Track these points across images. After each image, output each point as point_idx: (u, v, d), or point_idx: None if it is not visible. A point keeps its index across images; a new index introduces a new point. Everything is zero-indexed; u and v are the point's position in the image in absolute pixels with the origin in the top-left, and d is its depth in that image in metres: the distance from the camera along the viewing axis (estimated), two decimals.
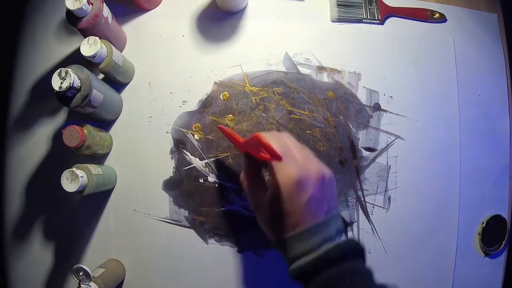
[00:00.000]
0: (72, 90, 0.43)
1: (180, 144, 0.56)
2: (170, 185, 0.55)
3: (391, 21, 0.61)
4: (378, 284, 0.37)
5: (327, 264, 0.36)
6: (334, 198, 0.40)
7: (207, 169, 0.55)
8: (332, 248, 0.36)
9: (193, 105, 0.56)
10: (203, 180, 0.55)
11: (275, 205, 0.38)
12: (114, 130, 0.56)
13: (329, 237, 0.37)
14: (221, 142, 0.56)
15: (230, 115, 0.56)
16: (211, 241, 0.55)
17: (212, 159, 0.55)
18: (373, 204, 0.57)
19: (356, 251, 0.38)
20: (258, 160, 0.43)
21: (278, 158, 0.38)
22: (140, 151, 0.55)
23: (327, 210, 0.39)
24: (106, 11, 0.49)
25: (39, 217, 0.54)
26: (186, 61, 0.57)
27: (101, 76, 0.55)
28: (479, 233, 0.58)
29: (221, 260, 0.54)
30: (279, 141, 0.40)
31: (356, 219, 0.56)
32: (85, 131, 0.46)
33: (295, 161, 0.39)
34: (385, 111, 0.58)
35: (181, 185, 0.55)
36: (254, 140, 0.39)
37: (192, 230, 0.55)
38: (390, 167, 0.58)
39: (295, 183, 0.37)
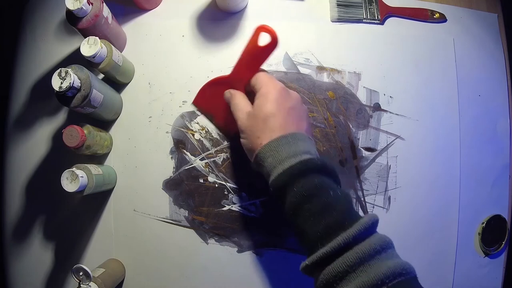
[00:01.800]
0: (72, 90, 0.43)
1: (180, 144, 0.56)
2: (170, 185, 0.55)
3: (391, 21, 0.61)
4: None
5: (301, 174, 0.37)
6: (310, 126, 0.45)
7: (207, 169, 0.55)
8: (312, 158, 0.38)
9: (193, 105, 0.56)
10: (203, 180, 0.55)
11: (260, 112, 0.42)
12: (114, 130, 0.56)
13: (309, 150, 0.40)
14: (220, 142, 0.56)
15: None
16: (211, 241, 0.55)
17: (212, 159, 0.55)
18: (373, 204, 0.57)
19: (330, 167, 0.39)
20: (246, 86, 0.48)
21: (275, 39, 0.44)
22: (140, 151, 0.55)
23: (306, 130, 0.43)
24: (106, 11, 0.49)
25: (39, 217, 0.54)
26: (186, 61, 0.57)
27: (101, 76, 0.55)
28: (479, 233, 0.58)
29: (221, 260, 0.54)
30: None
31: None
32: (85, 131, 0.46)
33: (274, 80, 0.45)
34: (385, 111, 0.58)
35: (181, 185, 0.55)
36: (258, 31, 0.45)
37: (192, 230, 0.55)
38: (390, 167, 0.58)
39: (283, 89, 0.44)
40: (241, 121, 0.45)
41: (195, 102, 0.55)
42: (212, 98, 0.53)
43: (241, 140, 0.45)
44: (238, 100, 0.47)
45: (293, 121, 0.42)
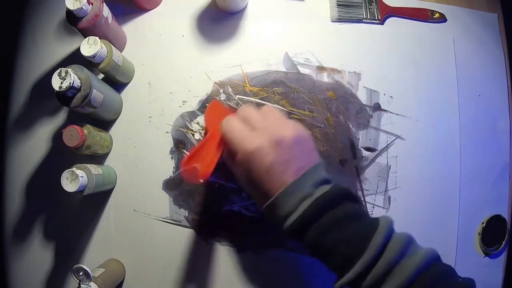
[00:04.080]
0: (72, 90, 0.43)
1: (180, 144, 0.56)
2: (170, 185, 0.55)
3: (391, 21, 0.61)
4: (370, 219, 0.38)
5: (309, 221, 0.37)
6: (304, 154, 0.39)
7: None
8: (309, 206, 0.37)
9: (193, 105, 0.56)
10: (203, 180, 0.55)
11: (241, 181, 0.41)
12: (114, 130, 0.56)
13: (306, 194, 0.37)
14: None
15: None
16: (211, 241, 0.55)
17: None
18: (373, 204, 0.57)
19: (338, 196, 0.38)
20: None
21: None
22: (140, 151, 0.55)
23: (297, 169, 0.38)
24: (106, 11, 0.49)
25: (39, 217, 0.54)
26: (186, 61, 0.57)
27: (101, 76, 0.55)
28: (479, 233, 0.58)
29: (221, 260, 0.54)
30: (230, 122, 0.41)
31: None
32: (85, 131, 0.46)
33: (246, 137, 0.39)
34: (385, 111, 0.58)
35: (181, 185, 0.55)
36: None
37: (192, 230, 0.55)
38: (390, 167, 0.57)
39: (247, 157, 0.38)
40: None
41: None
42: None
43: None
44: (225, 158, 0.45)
45: (275, 179, 0.38)
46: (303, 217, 0.37)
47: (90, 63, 0.47)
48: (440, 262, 0.37)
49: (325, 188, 0.38)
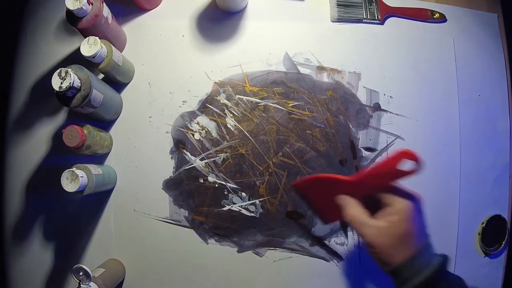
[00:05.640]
0: (72, 90, 0.43)
1: (180, 144, 0.56)
2: (170, 185, 0.55)
3: (391, 21, 0.61)
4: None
5: (436, 281, 0.41)
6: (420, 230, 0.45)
7: (207, 169, 0.55)
8: (433, 271, 0.41)
9: (193, 105, 0.56)
10: (203, 180, 0.55)
11: (396, 230, 0.42)
12: (114, 130, 0.56)
13: (427, 263, 0.42)
14: (220, 142, 0.56)
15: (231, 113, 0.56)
16: (211, 241, 0.55)
17: (212, 159, 0.55)
18: None
19: (446, 265, 0.43)
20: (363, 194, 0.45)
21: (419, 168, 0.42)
22: (140, 151, 0.55)
23: (419, 242, 0.44)
24: (106, 11, 0.49)
25: (39, 217, 0.54)
26: (186, 61, 0.57)
27: (101, 76, 0.55)
28: (479, 233, 0.58)
29: (221, 260, 0.54)
30: None
31: None
32: (85, 131, 0.46)
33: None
34: (385, 111, 0.58)
35: (181, 185, 0.55)
36: (401, 156, 0.42)
37: (192, 230, 0.55)
38: None
39: (413, 207, 0.43)
40: (372, 238, 0.44)
41: (297, 186, 0.49)
42: (317, 189, 0.48)
43: (371, 253, 0.45)
44: (357, 212, 0.45)
45: (421, 234, 0.43)
46: (431, 277, 0.41)
47: (90, 63, 0.47)
48: None
49: (439, 259, 0.43)
